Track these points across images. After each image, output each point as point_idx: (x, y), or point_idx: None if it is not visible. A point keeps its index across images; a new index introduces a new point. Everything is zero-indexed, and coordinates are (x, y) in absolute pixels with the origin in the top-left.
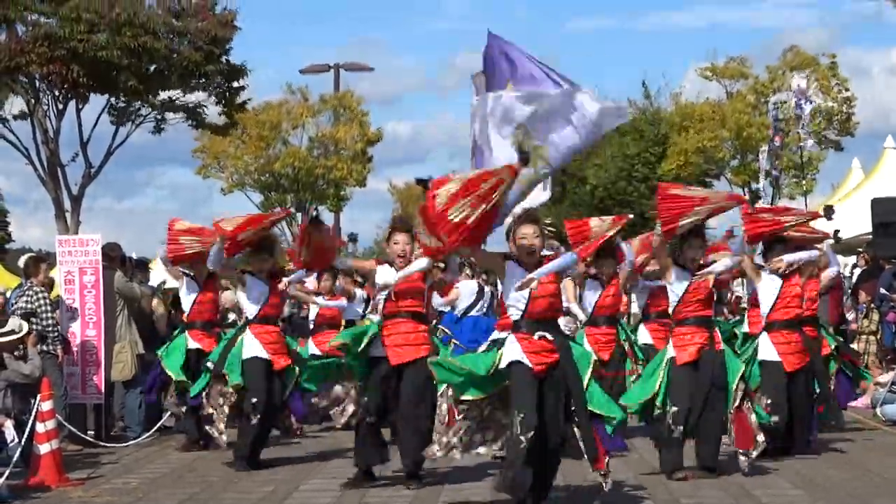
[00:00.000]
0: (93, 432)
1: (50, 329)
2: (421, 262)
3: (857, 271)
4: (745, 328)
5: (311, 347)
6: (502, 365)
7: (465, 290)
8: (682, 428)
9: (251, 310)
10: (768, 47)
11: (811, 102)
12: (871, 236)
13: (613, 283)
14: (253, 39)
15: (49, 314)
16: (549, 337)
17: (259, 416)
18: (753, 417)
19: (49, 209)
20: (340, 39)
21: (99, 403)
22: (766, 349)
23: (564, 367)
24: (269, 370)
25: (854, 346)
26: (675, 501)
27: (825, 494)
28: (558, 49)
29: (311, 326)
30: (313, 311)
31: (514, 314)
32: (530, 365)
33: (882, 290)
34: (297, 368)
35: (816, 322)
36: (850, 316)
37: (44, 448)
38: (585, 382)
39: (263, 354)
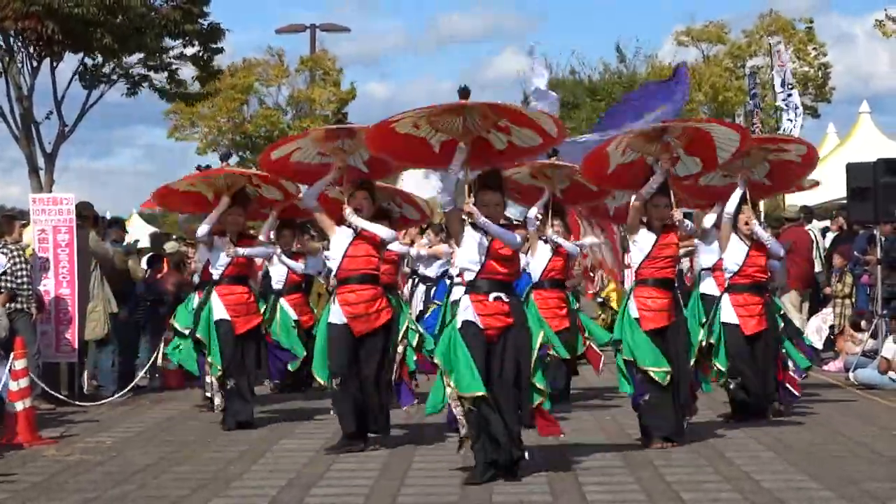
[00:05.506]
0: (66, 391)
1: (24, 288)
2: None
3: (830, 236)
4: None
5: (289, 310)
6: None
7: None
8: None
9: (217, 271)
10: (749, 13)
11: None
12: (845, 201)
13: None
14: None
15: (24, 272)
16: (505, 298)
17: (232, 379)
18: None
19: (25, 167)
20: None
21: (72, 362)
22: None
23: (518, 332)
24: (234, 333)
25: (829, 309)
26: (650, 464)
27: (798, 457)
28: (539, 13)
29: (280, 287)
30: (278, 272)
31: (469, 275)
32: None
33: (856, 254)
34: (263, 330)
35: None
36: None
37: (17, 406)
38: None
39: (228, 317)
